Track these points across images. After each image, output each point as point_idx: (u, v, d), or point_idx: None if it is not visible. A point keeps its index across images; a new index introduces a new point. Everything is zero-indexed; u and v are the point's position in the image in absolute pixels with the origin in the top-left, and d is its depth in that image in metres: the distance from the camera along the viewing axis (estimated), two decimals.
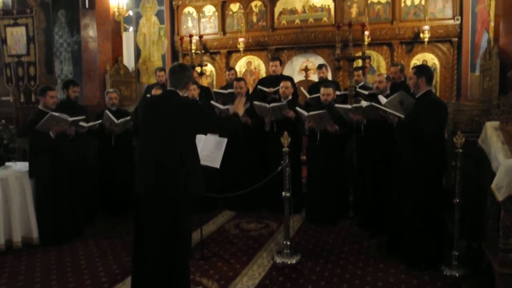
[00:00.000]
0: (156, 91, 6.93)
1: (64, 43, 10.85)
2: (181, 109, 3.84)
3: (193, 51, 9.33)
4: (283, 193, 5.14)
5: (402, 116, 4.82)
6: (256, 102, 6.68)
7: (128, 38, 11.30)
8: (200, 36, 9.19)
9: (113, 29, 9.94)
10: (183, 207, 3.82)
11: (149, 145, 3.85)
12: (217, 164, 5.02)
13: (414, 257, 4.75)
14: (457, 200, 4.59)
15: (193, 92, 6.93)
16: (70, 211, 5.87)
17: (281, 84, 6.90)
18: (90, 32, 9.72)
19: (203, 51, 9.73)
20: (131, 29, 11.45)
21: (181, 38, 9.16)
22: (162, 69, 8.72)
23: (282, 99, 6.84)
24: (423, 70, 4.83)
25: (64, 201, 5.81)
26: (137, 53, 11.55)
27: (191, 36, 8.90)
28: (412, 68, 5.02)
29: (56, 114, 5.62)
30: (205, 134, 4.28)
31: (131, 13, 11.15)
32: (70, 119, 5.76)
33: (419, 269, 4.69)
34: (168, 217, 3.76)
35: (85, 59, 9.82)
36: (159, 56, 11.37)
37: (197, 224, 5.47)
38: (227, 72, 8.62)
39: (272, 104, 6.57)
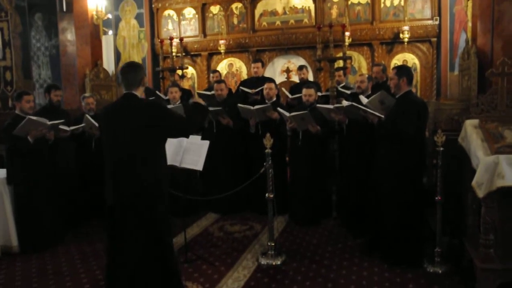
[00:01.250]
0: None
1: (42, 47, 10.74)
2: (144, 112, 3.67)
3: (173, 53, 9.32)
4: (267, 194, 5.17)
5: (382, 116, 4.89)
6: (240, 105, 6.72)
7: (107, 42, 11.25)
8: (181, 39, 9.19)
9: (92, 33, 9.89)
10: (162, 212, 3.77)
11: (117, 155, 3.68)
12: (199, 167, 5.03)
13: (396, 255, 4.82)
14: (439, 198, 4.67)
15: (175, 94, 6.97)
16: (50, 217, 5.80)
17: (265, 86, 6.95)
18: (68, 35, 9.66)
19: (183, 54, 9.71)
20: (110, 32, 11.39)
21: (161, 41, 9.16)
22: None
23: (267, 101, 6.89)
24: (404, 71, 4.90)
25: (44, 207, 5.74)
26: (117, 56, 11.50)
27: (171, 38, 8.89)
28: (393, 68, 5.09)
29: (34, 118, 5.51)
30: (175, 137, 4.07)
31: (110, 16, 11.11)
32: (49, 122, 5.65)
33: (402, 266, 4.75)
34: (150, 225, 3.69)
35: (64, 63, 9.75)
36: (140, 59, 11.30)
37: (180, 227, 5.49)
38: (211, 75, 8.65)
39: (256, 107, 6.60)
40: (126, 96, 3.79)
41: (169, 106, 6.72)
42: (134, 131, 3.63)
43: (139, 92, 3.82)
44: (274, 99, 6.94)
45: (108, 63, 11.15)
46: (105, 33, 10.98)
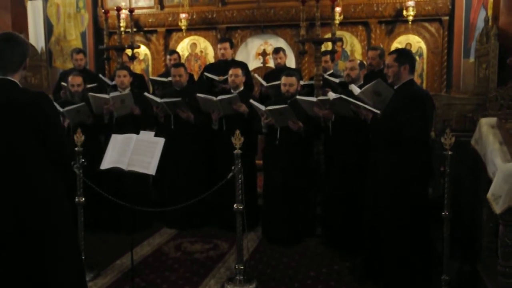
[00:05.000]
0: (73, 79, 6.83)
1: None
2: (23, 107, 3.29)
3: (122, 29, 9.19)
4: (235, 205, 5.15)
5: (378, 111, 4.90)
6: (200, 95, 6.70)
7: (35, 10, 11.00)
8: (131, 10, 9.07)
9: None
10: (62, 242, 3.48)
11: None
12: (152, 170, 4.98)
13: (395, 283, 4.83)
14: (446, 213, 4.66)
15: (123, 79, 6.90)
16: None
17: (230, 72, 6.94)
18: None
19: (135, 29, 9.61)
20: None
21: (107, 12, 9.01)
22: (80, 50, 8.59)
23: (232, 90, 6.87)
24: (406, 56, 4.90)
25: None
26: (49, 29, 11.28)
27: (119, 9, 8.77)
28: (390, 53, 5.07)
29: None
30: (51, 154, 3.53)
31: None
32: None
33: None
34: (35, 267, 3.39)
35: None
36: (78, 35, 11.17)
37: (126, 246, 5.41)
38: (168, 57, 8.58)
39: (220, 97, 6.58)
40: None
41: (114, 94, 6.68)
42: (7, 134, 3.28)
43: (18, 78, 3.40)
44: (241, 88, 6.94)
45: (36, 37, 10.93)
46: None
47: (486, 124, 4.61)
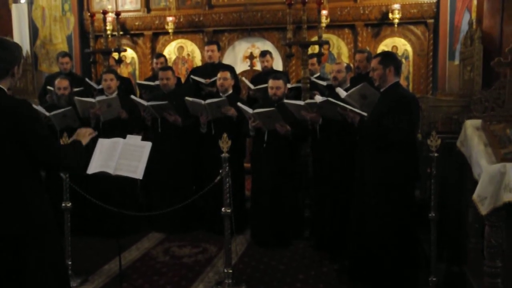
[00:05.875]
0: (59, 82, 6.81)
1: None
2: (8, 115, 3.09)
3: (108, 32, 9.18)
4: (223, 209, 5.16)
5: (365, 114, 4.93)
6: (188, 98, 6.69)
7: (20, 12, 10.90)
8: (117, 13, 9.04)
9: None
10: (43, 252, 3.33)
11: None
12: (139, 174, 4.96)
13: (383, 284, 4.85)
14: (433, 215, 4.70)
15: (110, 82, 6.88)
16: None
17: (219, 75, 6.94)
18: None
19: (121, 33, 9.58)
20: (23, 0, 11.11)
21: (93, 15, 8.98)
22: (66, 54, 8.55)
23: (221, 94, 6.88)
24: (390, 58, 4.93)
25: None
26: (34, 32, 11.20)
27: (105, 12, 8.74)
28: (375, 56, 5.11)
29: None
30: (41, 165, 3.41)
31: None
32: None
33: None
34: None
35: None
36: (64, 38, 11.12)
37: (114, 251, 5.40)
38: (155, 60, 8.58)
39: (208, 101, 6.58)
40: None
41: (101, 98, 6.67)
42: None
43: (6, 85, 3.20)
44: (230, 91, 6.94)
45: (21, 40, 10.81)
46: (16, 0, 10.69)
47: (471, 126, 4.62)
